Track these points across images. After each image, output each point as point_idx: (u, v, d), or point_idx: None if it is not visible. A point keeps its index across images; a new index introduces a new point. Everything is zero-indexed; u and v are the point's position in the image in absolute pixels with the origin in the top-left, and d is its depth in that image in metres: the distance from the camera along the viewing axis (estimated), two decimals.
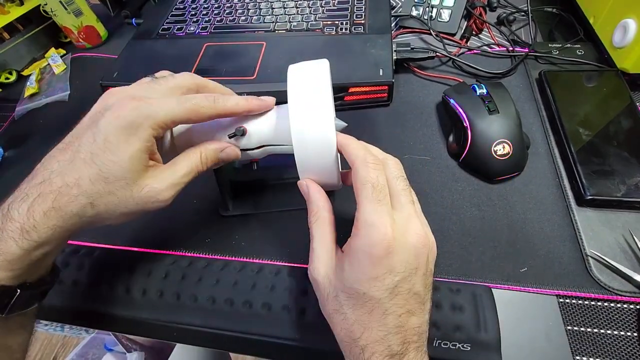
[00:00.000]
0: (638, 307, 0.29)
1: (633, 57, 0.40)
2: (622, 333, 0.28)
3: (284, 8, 0.54)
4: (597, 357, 0.27)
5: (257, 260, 0.34)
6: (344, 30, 0.49)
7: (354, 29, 0.49)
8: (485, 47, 0.50)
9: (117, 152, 0.23)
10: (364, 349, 0.22)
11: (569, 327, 0.29)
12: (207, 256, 0.34)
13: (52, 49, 0.59)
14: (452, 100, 0.39)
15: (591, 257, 0.31)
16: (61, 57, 0.58)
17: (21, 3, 0.57)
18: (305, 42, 0.48)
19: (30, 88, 0.54)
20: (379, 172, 0.24)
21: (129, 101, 0.23)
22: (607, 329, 0.28)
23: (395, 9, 0.55)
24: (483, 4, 0.51)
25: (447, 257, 0.32)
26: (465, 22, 0.53)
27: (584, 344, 0.28)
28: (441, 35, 0.50)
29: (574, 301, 0.30)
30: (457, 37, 0.51)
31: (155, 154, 0.26)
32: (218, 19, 0.54)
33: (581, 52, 0.46)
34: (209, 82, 0.29)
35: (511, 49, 0.48)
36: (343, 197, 0.34)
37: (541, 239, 0.33)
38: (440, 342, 0.28)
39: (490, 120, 0.36)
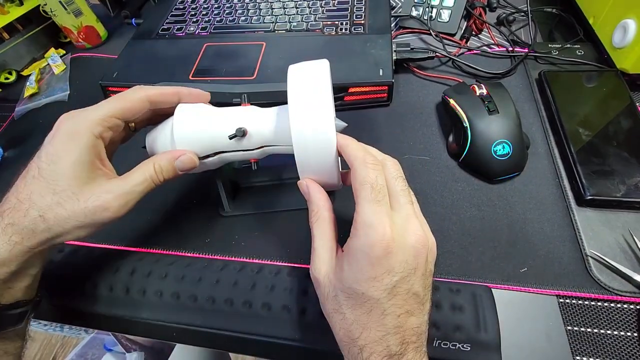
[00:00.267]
0: (638, 307, 0.29)
1: (633, 57, 0.40)
2: (622, 333, 0.28)
3: (284, 8, 0.54)
4: (597, 357, 0.27)
5: (257, 260, 0.34)
6: (343, 30, 0.49)
7: (354, 29, 0.49)
8: (485, 47, 0.50)
9: (59, 161, 0.24)
10: (363, 349, 0.22)
11: (569, 327, 0.29)
12: (207, 256, 0.34)
13: (52, 49, 0.59)
14: (452, 100, 0.39)
15: (591, 257, 0.31)
16: (61, 57, 0.58)
17: (21, 3, 0.57)
18: (305, 42, 0.48)
19: (30, 88, 0.54)
20: (378, 172, 0.24)
21: (66, 115, 0.25)
22: (607, 329, 0.28)
23: (395, 9, 0.55)
24: (483, 4, 0.51)
25: (447, 257, 0.32)
26: (465, 23, 0.53)
27: (584, 344, 0.28)
28: (441, 35, 0.50)
29: (574, 301, 0.30)
30: (456, 38, 0.52)
31: (105, 163, 0.26)
32: (218, 19, 0.54)
33: (581, 52, 0.47)
34: (166, 88, 0.29)
35: (511, 49, 0.48)
36: (343, 197, 0.34)
37: (541, 239, 0.33)
38: (440, 342, 0.28)
39: (490, 120, 0.36)
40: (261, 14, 0.54)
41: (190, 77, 0.45)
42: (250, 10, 0.55)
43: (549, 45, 0.47)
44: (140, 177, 0.26)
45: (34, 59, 0.60)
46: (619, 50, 0.42)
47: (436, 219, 0.34)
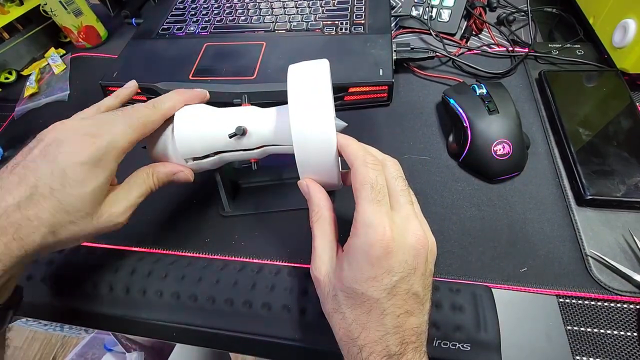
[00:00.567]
0: (638, 307, 0.29)
1: (633, 57, 0.40)
2: (622, 333, 0.28)
3: (284, 8, 0.54)
4: (597, 357, 0.27)
5: (257, 260, 0.34)
6: (343, 30, 0.49)
7: (354, 29, 0.49)
8: (485, 47, 0.50)
9: (79, 186, 0.23)
10: (362, 348, 0.22)
11: (569, 327, 0.29)
12: (207, 256, 0.34)
13: (52, 49, 0.59)
14: (452, 100, 0.39)
15: (591, 257, 0.31)
16: (61, 57, 0.58)
17: (21, 3, 0.57)
18: (305, 42, 0.48)
19: (30, 88, 0.54)
20: (378, 172, 0.24)
21: (86, 138, 0.24)
22: (607, 329, 0.28)
23: (395, 9, 0.55)
24: (483, 4, 0.51)
25: (447, 257, 0.32)
26: (465, 22, 0.53)
27: (584, 344, 0.28)
28: (441, 35, 0.50)
29: (574, 301, 0.30)
30: (457, 37, 0.51)
31: (114, 178, 0.27)
32: (218, 19, 0.54)
33: (581, 52, 0.46)
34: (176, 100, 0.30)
35: (511, 49, 0.48)
36: (343, 197, 0.34)
37: (541, 239, 0.33)
38: (440, 342, 0.28)
39: (490, 120, 0.36)
40: (261, 13, 0.54)
41: (190, 77, 0.45)
42: (250, 10, 0.55)
43: (549, 45, 0.47)
44: (142, 189, 0.28)
45: (34, 59, 0.60)
46: (619, 50, 0.42)
47: (436, 219, 0.34)
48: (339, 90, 0.43)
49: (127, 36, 0.54)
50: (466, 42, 0.51)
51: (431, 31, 0.51)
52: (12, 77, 0.57)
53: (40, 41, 0.61)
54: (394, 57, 0.45)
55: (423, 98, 0.45)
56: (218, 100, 0.44)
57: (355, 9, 0.52)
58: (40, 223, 0.23)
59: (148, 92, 0.46)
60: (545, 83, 0.43)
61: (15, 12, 0.56)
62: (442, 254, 0.32)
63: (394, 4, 0.57)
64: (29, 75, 0.56)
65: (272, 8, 0.55)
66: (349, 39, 0.48)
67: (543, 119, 0.41)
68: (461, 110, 0.38)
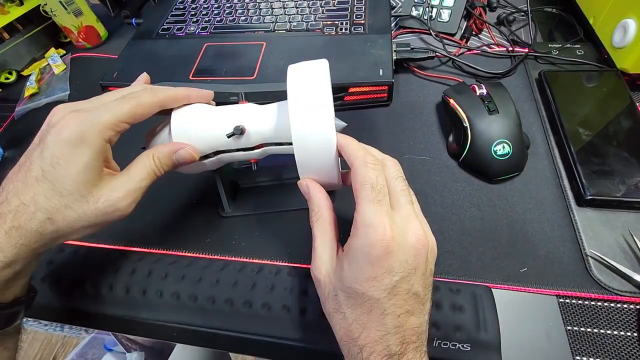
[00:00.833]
0: (638, 307, 0.29)
1: (633, 57, 0.40)
2: (622, 333, 0.28)
3: (284, 8, 0.54)
4: (597, 357, 0.27)
5: (257, 260, 0.34)
6: (343, 30, 0.49)
7: (354, 29, 0.49)
8: (485, 47, 0.50)
9: (67, 165, 0.23)
10: (363, 348, 0.22)
11: (569, 327, 0.29)
12: (207, 256, 0.34)
13: (52, 49, 0.59)
14: (452, 100, 0.39)
15: (591, 257, 0.31)
16: (61, 57, 0.58)
17: (21, 3, 0.57)
18: (305, 42, 0.48)
19: (30, 88, 0.54)
20: (378, 172, 0.24)
21: (72, 114, 0.24)
22: (607, 329, 0.28)
23: (395, 9, 0.55)
24: (483, 4, 0.51)
25: (447, 257, 0.32)
26: (465, 22, 0.53)
27: (584, 344, 0.28)
28: (441, 35, 0.50)
29: (574, 301, 0.30)
30: (457, 37, 0.51)
31: (111, 162, 0.26)
32: (218, 19, 0.54)
33: (581, 52, 0.46)
34: (177, 91, 0.28)
35: (511, 49, 0.48)
36: (343, 197, 0.34)
37: (541, 239, 0.33)
38: (440, 342, 0.28)
39: (490, 120, 0.36)
40: (261, 14, 0.54)
41: (190, 77, 0.45)
42: (250, 10, 0.55)
43: (549, 45, 0.47)
44: (144, 172, 0.26)
45: (34, 59, 0.60)
46: (619, 50, 0.42)
47: (436, 219, 0.34)
48: (339, 90, 0.43)
49: (127, 36, 0.54)
50: (466, 42, 0.51)
51: (431, 31, 0.51)
52: (12, 77, 0.57)
53: (40, 41, 0.61)
54: (394, 57, 0.45)
55: (423, 98, 0.45)
56: (218, 100, 0.44)
57: (355, 9, 0.52)
58: (36, 208, 0.22)
59: None
60: (545, 83, 0.43)
61: (15, 12, 0.56)
62: (442, 254, 0.32)
63: (394, 4, 0.57)
64: (29, 75, 0.56)
65: (272, 8, 0.55)
66: (349, 39, 0.48)
67: (543, 119, 0.41)
68: (461, 110, 0.38)
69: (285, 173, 0.38)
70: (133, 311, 0.32)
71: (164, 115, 0.29)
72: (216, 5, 0.57)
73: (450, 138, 0.40)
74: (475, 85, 0.39)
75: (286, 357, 0.30)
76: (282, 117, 0.28)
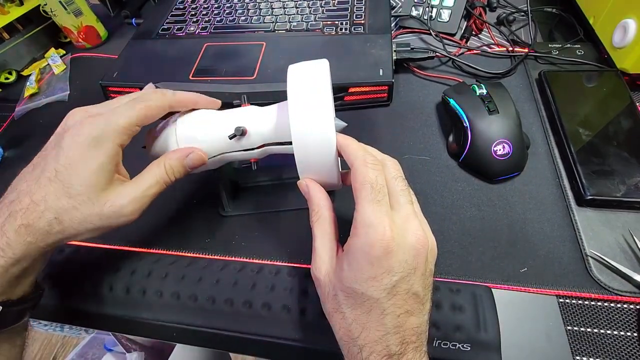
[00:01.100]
0: (638, 307, 0.29)
1: (633, 57, 0.40)
2: (622, 333, 0.28)
3: (284, 8, 0.54)
4: (597, 357, 0.27)
5: (257, 260, 0.34)
6: (343, 30, 0.49)
7: (354, 29, 0.49)
8: (485, 47, 0.50)
9: (80, 167, 0.23)
10: (362, 348, 0.22)
11: (569, 327, 0.29)
12: (207, 256, 0.34)
13: (52, 49, 0.59)
14: (452, 100, 0.39)
15: (591, 257, 0.31)
16: (61, 57, 0.58)
17: (21, 3, 0.57)
18: (305, 42, 0.48)
19: (30, 88, 0.54)
20: (378, 172, 0.24)
21: (88, 119, 0.25)
22: (607, 329, 0.28)
23: (395, 9, 0.55)
24: (483, 4, 0.51)
25: (447, 257, 0.32)
26: (465, 22, 0.53)
27: (584, 344, 0.28)
28: (441, 35, 0.50)
29: (574, 301, 0.30)
30: (457, 37, 0.51)
31: (121, 168, 0.27)
32: (218, 19, 0.54)
33: (581, 52, 0.47)
34: (187, 96, 0.29)
35: (511, 49, 0.48)
36: (343, 197, 0.34)
37: (541, 239, 0.33)
38: (440, 342, 0.28)
39: (490, 120, 0.36)
40: (261, 14, 0.54)
41: (191, 77, 0.45)
42: (250, 10, 0.55)
43: (549, 45, 0.47)
44: (152, 180, 0.26)
45: (34, 59, 0.60)
46: (619, 50, 0.42)
47: (436, 219, 0.34)
48: (339, 90, 0.43)
49: (127, 36, 0.54)
50: (466, 42, 0.51)
51: (431, 31, 0.51)
52: (12, 78, 0.57)
53: (40, 41, 0.61)
54: (394, 57, 0.45)
55: (423, 98, 0.45)
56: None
57: (355, 9, 0.52)
58: (45, 207, 0.23)
59: None
60: (545, 83, 0.43)
61: (15, 12, 0.56)
62: (442, 254, 0.32)
63: (394, 4, 0.57)
64: (29, 75, 0.56)
65: (272, 8, 0.55)
66: (349, 39, 0.48)
67: (543, 119, 0.41)
68: (461, 110, 0.38)
69: (285, 173, 0.38)
70: (133, 311, 0.32)
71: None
72: (216, 5, 0.57)
73: (450, 138, 0.40)
74: (475, 85, 0.39)
75: (286, 357, 0.30)
76: (282, 117, 0.28)
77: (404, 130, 0.42)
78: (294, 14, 0.53)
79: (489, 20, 0.51)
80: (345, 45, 0.47)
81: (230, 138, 0.28)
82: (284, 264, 0.33)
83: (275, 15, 0.53)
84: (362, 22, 0.50)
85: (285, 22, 0.52)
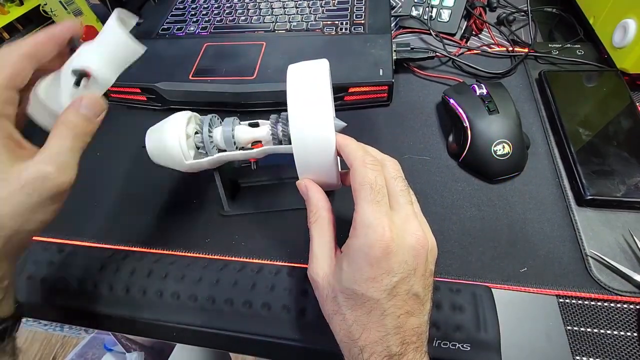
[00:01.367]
0: (638, 307, 0.29)
1: (633, 57, 0.40)
2: (622, 333, 0.28)
3: (284, 8, 0.54)
4: (597, 357, 0.27)
5: (257, 260, 0.34)
6: (343, 30, 0.49)
7: (354, 29, 0.49)
8: (485, 47, 0.50)
9: None
10: (363, 349, 0.22)
11: (569, 327, 0.29)
12: (207, 256, 0.34)
13: None
14: (452, 100, 0.39)
15: (591, 257, 0.31)
16: None
17: (21, 3, 0.57)
18: (305, 42, 0.48)
19: None
20: (377, 172, 0.23)
21: None
22: (607, 329, 0.28)
23: (395, 9, 0.55)
24: (483, 4, 0.51)
25: (447, 257, 0.32)
26: (465, 22, 0.53)
27: (584, 344, 0.28)
28: (441, 35, 0.50)
29: (574, 301, 0.30)
30: (457, 37, 0.51)
31: (24, 143, 0.23)
32: (218, 19, 0.54)
33: (581, 52, 0.46)
34: (37, 36, 0.24)
35: (511, 49, 0.48)
36: (342, 197, 0.34)
37: (541, 239, 0.33)
38: (440, 342, 0.28)
39: (490, 120, 0.36)
40: (261, 13, 0.54)
41: (190, 77, 0.45)
42: (250, 10, 0.55)
43: (549, 45, 0.47)
44: (63, 133, 0.23)
45: None
46: (619, 50, 0.42)
47: (436, 219, 0.34)
48: (339, 90, 0.43)
49: None
50: (466, 42, 0.51)
51: (431, 31, 0.51)
52: None
53: None
54: (394, 57, 0.45)
55: (423, 98, 0.45)
56: (218, 100, 0.44)
57: (355, 9, 0.52)
58: None
59: (148, 92, 0.46)
60: (545, 83, 0.43)
61: (15, 12, 0.56)
62: (442, 254, 0.32)
63: (394, 4, 0.57)
64: None
65: (272, 8, 0.55)
66: (349, 39, 0.48)
67: (543, 119, 0.41)
68: (461, 110, 0.38)
69: (285, 173, 0.38)
70: (133, 311, 0.32)
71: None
72: (216, 5, 0.57)
73: (450, 138, 0.40)
74: (475, 85, 0.39)
75: (286, 357, 0.30)
76: (109, 37, 0.26)
77: (404, 130, 0.42)
78: (294, 14, 0.53)
79: (489, 20, 0.51)
80: (345, 45, 0.47)
81: (77, 86, 0.24)
82: (283, 264, 0.33)
83: (275, 15, 0.53)
84: (362, 22, 0.50)
85: (285, 22, 0.52)
